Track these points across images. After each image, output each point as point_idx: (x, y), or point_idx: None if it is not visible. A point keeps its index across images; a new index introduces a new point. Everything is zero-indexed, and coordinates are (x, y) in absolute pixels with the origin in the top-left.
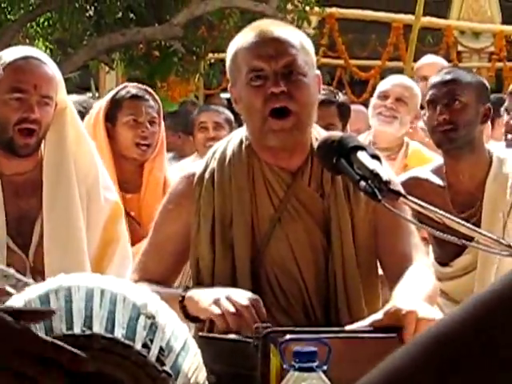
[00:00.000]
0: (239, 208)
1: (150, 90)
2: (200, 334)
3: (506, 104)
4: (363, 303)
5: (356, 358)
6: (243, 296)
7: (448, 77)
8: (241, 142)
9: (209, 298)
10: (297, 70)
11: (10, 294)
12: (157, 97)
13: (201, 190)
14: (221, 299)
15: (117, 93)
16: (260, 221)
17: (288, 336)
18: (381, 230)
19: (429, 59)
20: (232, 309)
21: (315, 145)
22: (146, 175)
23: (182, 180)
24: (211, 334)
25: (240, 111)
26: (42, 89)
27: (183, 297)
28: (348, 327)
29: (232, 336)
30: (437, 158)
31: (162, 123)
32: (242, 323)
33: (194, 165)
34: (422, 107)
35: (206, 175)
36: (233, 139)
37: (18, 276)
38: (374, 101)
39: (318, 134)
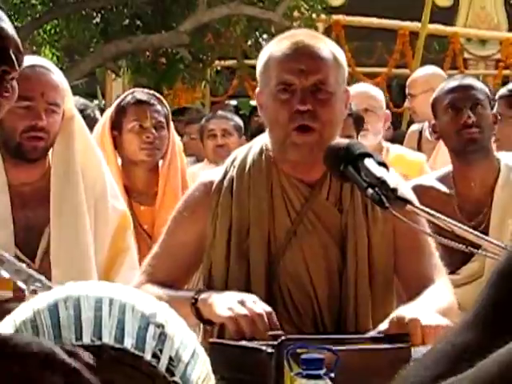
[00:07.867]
0: (256, 218)
1: (156, 94)
2: (211, 340)
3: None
4: (370, 320)
5: (367, 368)
6: (257, 303)
7: (466, 82)
8: (261, 151)
9: (222, 302)
10: (325, 89)
11: (16, 301)
12: (165, 101)
13: (218, 199)
14: (234, 304)
15: (122, 99)
16: (276, 232)
17: (295, 344)
18: (401, 250)
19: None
20: (245, 313)
21: None
22: (161, 185)
23: (200, 187)
24: (224, 341)
25: (264, 118)
26: (49, 96)
27: (196, 299)
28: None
29: (245, 343)
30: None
31: (172, 129)
32: (254, 329)
33: (212, 172)
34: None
35: (225, 183)
36: (253, 147)
37: (30, 271)
38: None
39: None
